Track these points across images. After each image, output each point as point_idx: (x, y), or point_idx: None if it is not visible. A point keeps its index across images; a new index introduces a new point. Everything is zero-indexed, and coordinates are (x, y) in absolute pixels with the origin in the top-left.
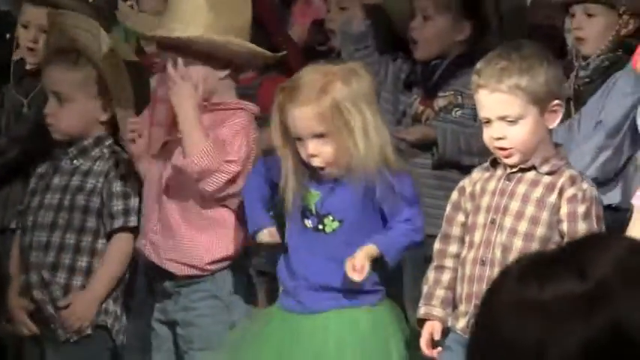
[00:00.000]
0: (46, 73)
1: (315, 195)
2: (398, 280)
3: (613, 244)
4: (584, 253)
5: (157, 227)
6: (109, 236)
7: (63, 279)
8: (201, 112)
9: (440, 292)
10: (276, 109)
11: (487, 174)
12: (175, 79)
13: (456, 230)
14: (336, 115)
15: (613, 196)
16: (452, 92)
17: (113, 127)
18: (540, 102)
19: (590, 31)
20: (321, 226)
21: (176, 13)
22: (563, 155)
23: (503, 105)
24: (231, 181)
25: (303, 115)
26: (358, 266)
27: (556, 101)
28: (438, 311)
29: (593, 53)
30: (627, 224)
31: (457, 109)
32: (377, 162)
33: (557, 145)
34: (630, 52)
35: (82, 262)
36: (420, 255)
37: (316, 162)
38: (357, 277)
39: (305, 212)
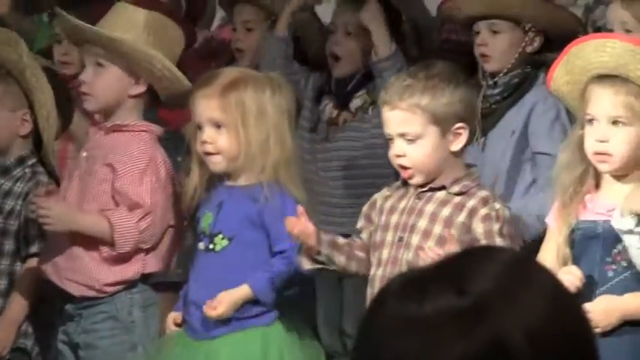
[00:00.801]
0: None
1: (208, 216)
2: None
3: (493, 258)
4: (464, 268)
5: (58, 247)
6: (24, 260)
7: None
8: (102, 133)
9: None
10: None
11: (399, 192)
12: (43, 211)
13: (364, 236)
14: (237, 110)
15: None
16: (364, 92)
17: (37, 140)
18: (441, 123)
19: (495, 48)
20: (211, 246)
21: (110, 22)
22: (476, 177)
23: (402, 122)
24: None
25: (206, 102)
26: (215, 303)
27: (460, 124)
28: (326, 236)
29: (499, 70)
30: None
31: (372, 106)
32: (269, 175)
33: (469, 166)
34: (538, 67)
35: (1, 285)
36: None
37: (208, 148)
38: (210, 312)
39: (200, 235)
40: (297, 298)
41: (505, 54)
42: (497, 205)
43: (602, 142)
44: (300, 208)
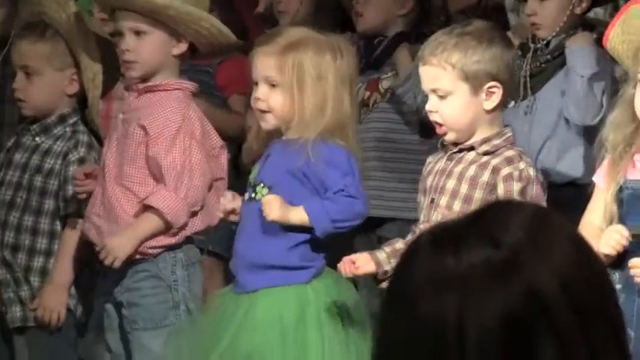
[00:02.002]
0: (14, 48)
1: (256, 168)
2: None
3: (518, 211)
4: (493, 220)
5: (100, 211)
6: (63, 219)
7: (23, 260)
8: (136, 94)
9: (390, 247)
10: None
11: (437, 155)
12: (102, 255)
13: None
14: (294, 72)
15: (575, 169)
16: (394, 72)
17: (82, 100)
18: (472, 80)
19: (544, 16)
20: (253, 195)
21: None
22: (507, 137)
23: (433, 78)
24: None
25: (264, 61)
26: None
27: (492, 82)
28: (381, 254)
29: (550, 35)
30: (586, 201)
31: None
32: (320, 135)
33: (505, 126)
34: (588, 29)
35: (42, 243)
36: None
37: (260, 105)
38: (266, 210)
39: (247, 187)
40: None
41: (555, 19)
42: (522, 165)
43: None
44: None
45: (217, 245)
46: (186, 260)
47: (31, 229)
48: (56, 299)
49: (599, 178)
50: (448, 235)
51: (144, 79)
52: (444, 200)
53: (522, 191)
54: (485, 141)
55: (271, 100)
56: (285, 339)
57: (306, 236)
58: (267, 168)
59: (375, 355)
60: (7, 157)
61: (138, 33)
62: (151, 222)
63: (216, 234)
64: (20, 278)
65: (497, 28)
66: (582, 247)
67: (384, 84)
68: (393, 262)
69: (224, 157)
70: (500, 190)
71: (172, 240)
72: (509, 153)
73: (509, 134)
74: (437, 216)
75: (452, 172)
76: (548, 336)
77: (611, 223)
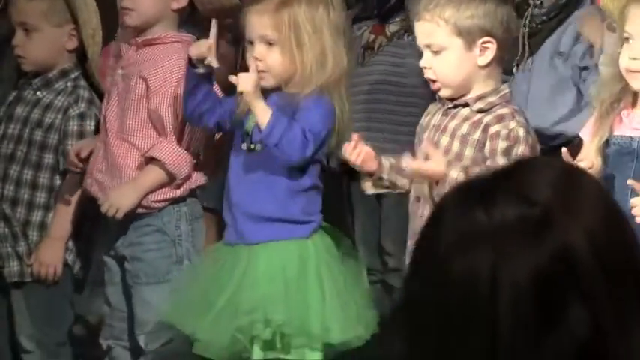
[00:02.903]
0: (12, 5)
1: (251, 118)
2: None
3: (546, 168)
4: (522, 178)
5: (103, 166)
6: (63, 174)
7: (22, 214)
8: (135, 48)
9: (395, 160)
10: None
11: (435, 108)
12: (104, 207)
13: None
14: (291, 29)
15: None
16: (403, 18)
17: (83, 55)
18: (465, 35)
19: None
20: (252, 146)
21: None
22: (503, 94)
23: (427, 34)
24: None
25: (258, 20)
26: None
27: (486, 38)
28: (386, 161)
29: None
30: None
31: (408, 34)
32: (319, 88)
33: (503, 83)
34: None
35: (41, 198)
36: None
37: (259, 65)
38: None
39: (243, 137)
40: (334, 217)
41: None
42: (512, 125)
43: (634, 59)
44: (356, 135)
45: (210, 201)
46: (190, 215)
47: (31, 184)
48: (53, 253)
49: (585, 133)
50: (476, 192)
51: (141, 31)
52: None
53: (507, 150)
54: (479, 98)
55: (269, 59)
56: (287, 293)
57: (305, 186)
58: None
59: (404, 312)
60: (8, 110)
61: None
62: (153, 174)
63: (209, 190)
64: (18, 233)
65: None
66: (611, 206)
67: (392, 28)
68: (392, 175)
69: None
70: (487, 148)
71: (177, 193)
72: (503, 111)
73: (506, 91)
74: None
75: (446, 127)
76: (577, 293)
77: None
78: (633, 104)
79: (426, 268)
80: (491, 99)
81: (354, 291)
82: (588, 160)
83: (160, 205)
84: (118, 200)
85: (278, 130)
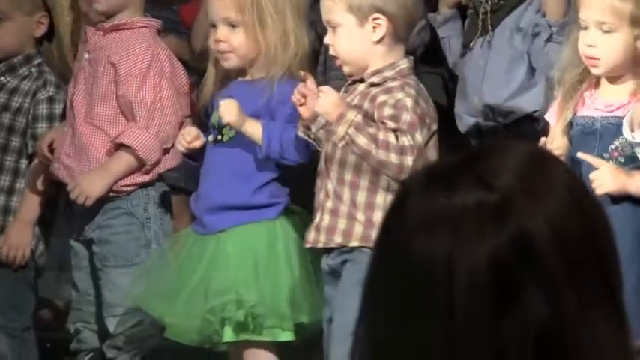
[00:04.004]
0: None
1: (217, 110)
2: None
3: (512, 153)
4: (486, 162)
5: (71, 151)
6: (30, 157)
7: None
8: (101, 33)
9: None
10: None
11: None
12: (73, 194)
13: None
14: (253, 9)
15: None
16: None
17: (42, 43)
18: (356, 12)
19: None
20: (219, 137)
21: None
22: (401, 68)
23: (326, 11)
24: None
25: (221, 2)
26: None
27: (377, 14)
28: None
29: None
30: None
31: None
32: (285, 69)
33: (404, 58)
34: None
35: (5, 181)
36: None
37: (222, 47)
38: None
39: (210, 129)
40: (303, 193)
41: None
42: (400, 95)
43: (590, 46)
44: (305, 75)
45: (187, 182)
46: (158, 198)
47: None
48: (22, 237)
49: (550, 115)
50: (440, 175)
51: (109, 16)
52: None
53: (394, 117)
54: (374, 73)
55: (233, 41)
56: (257, 274)
57: (273, 176)
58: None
59: (365, 292)
60: None
61: None
62: (123, 160)
63: (185, 171)
64: None
65: None
66: (578, 192)
67: None
68: (319, 133)
69: (193, 95)
70: (375, 117)
71: (146, 178)
72: (393, 84)
73: (404, 66)
74: (333, 150)
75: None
76: (535, 279)
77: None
78: (596, 85)
79: (388, 249)
80: (387, 74)
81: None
82: (557, 143)
83: (128, 188)
84: (87, 187)
85: (275, 142)
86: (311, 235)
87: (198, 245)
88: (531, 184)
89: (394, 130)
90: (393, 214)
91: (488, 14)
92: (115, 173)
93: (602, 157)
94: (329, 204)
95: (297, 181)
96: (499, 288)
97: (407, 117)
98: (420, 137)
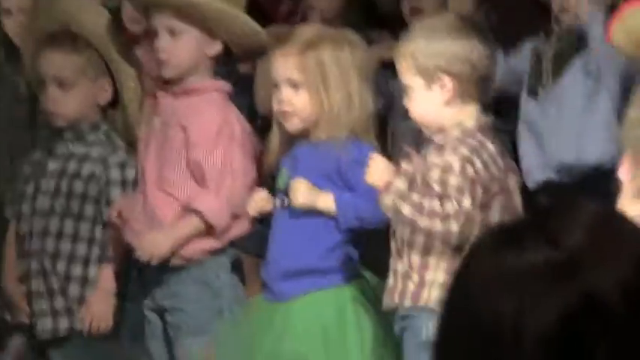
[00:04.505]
0: (44, 59)
1: (284, 172)
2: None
3: (582, 211)
4: (555, 220)
5: (141, 216)
6: (104, 225)
7: (63, 267)
8: (172, 97)
9: None
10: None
11: None
12: (138, 253)
13: None
14: (317, 70)
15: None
16: None
17: (106, 111)
18: (424, 74)
19: (571, 3)
20: (287, 202)
21: None
22: (467, 129)
23: (400, 73)
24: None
25: (283, 63)
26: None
27: (441, 75)
28: None
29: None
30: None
31: None
32: (349, 130)
33: (476, 115)
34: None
35: (81, 250)
36: None
37: (285, 108)
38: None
39: (277, 192)
40: (374, 256)
41: (583, 4)
42: (449, 157)
43: None
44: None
45: (256, 247)
46: (230, 265)
47: (72, 236)
48: (104, 306)
49: (623, 174)
50: (509, 233)
51: (178, 80)
52: None
53: (441, 180)
54: (441, 131)
55: (296, 102)
56: (327, 344)
57: (341, 238)
58: (299, 173)
59: (434, 353)
60: (40, 166)
61: (172, 32)
62: (191, 224)
63: (255, 235)
64: (55, 289)
65: (463, 19)
66: None
67: None
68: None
69: (261, 161)
70: (429, 179)
71: (218, 244)
72: (449, 144)
73: (469, 125)
74: None
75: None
76: (604, 343)
77: None
78: None
79: (457, 304)
80: (452, 133)
81: (393, 337)
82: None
83: (200, 256)
84: (151, 246)
85: (350, 210)
86: (384, 298)
87: (268, 314)
88: (601, 243)
89: (440, 196)
90: (461, 273)
91: (550, 63)
92: (181, 235)
93: None
94: (392, 265)
95: (368, 244)
96: (567, 349)
97: (453, 181)
98: (467, 202)
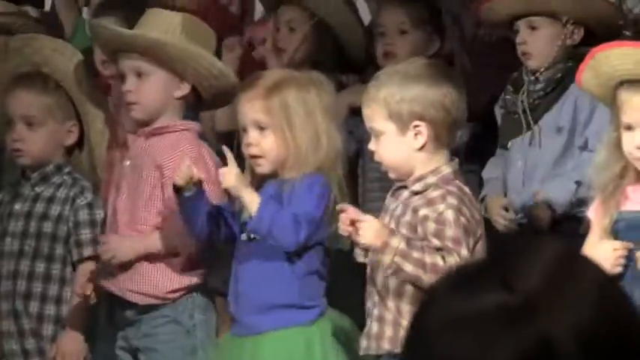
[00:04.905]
0: (14, 98)
1: None
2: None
3: (540, 252)
4: (512, 262)
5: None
6: (73, 265)
7: (36, 308)
8: (143, 138)
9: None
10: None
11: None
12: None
13: None
14: (282, 112)
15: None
16: None
17: (70, 152)
18: (397, 120)
19: (534, 46)
20: (253, 235)
21: (147, 25)
22: (444, 175)
23: (367, 118)
24: None
25: (250, 106)
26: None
27: (416, 122)
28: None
29: (541, 67)
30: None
31: None
32: (317, 168)
33: (448, 162)
34: (580, 61)
35: (53, 290)
36: None
37: (253, 150)
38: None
39: (242, 227)
40: (347, 291)
41: (545, 50)
42: (441, 207)
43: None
44: (345, 206)
45: (224, 284)
46: (204, 304)
47: (44, 276)
48: (75, 345)
49: (592, 213)
50: (466, 277)
51: (149, 121)
52: None
53: (437, 233)
54: (418, 179)
55: (263, 144)
56: None
57: (308, 271)
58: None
59: None
60: (6, 208)
61: (139, 74)
62: (157, 238)
63: (220, 273)
64: (26, 330)
65: (434, 65)
66: (609, 295)
67: None
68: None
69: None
70: (419, 231)
71: (193, 280)
72: (434, 194)
73: (447, 171)
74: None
75: (388, 208)
76: None
77: None
78: (637, 179)
79: (414, 346)
80: (429, 180)
81: None
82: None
83: (174, 295)
84: (116, 247)
85: (267, 218)
86: (363, 343)
87: (237, 351)
88: (558, 286)
89: (439, 249)
90: (420, 314)
91: (528, 111)
92: (146, 245)
93: None
94: (376, 311)
95: (334, 283)
96: None
97: (450, 233)
98: (465, 251)
